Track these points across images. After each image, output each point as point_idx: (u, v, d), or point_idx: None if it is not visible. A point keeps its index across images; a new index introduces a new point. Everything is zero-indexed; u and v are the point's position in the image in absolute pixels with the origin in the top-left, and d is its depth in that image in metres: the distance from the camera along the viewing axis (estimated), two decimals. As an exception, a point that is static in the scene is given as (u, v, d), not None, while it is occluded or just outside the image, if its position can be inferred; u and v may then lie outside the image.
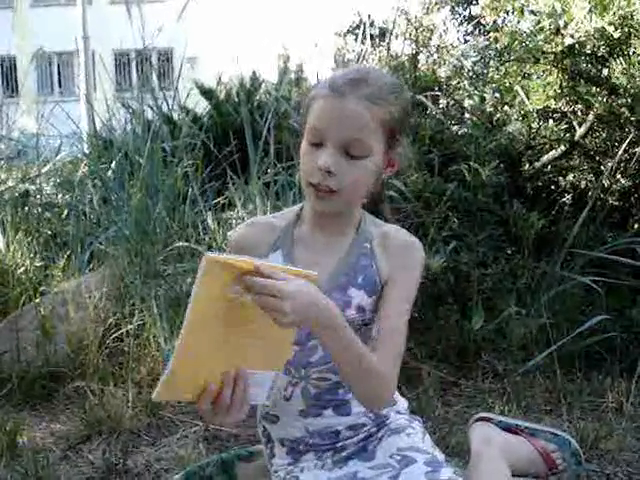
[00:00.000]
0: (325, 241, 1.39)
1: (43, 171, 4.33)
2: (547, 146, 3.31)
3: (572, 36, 3.05)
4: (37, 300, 2.98)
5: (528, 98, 3.24)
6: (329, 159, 1.26)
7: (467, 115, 3.54)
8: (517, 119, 3.32)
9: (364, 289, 1.35)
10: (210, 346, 1.05)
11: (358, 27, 4.73)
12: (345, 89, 1.27)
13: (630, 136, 3.14)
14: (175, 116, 4.46)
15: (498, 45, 3.48)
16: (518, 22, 3.40)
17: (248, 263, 1.04)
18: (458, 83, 3.64)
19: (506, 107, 3.41)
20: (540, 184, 3.39)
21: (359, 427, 1.40)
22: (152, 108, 4.15)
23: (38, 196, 4.01)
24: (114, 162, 3.86)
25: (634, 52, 3.07)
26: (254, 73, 5.09)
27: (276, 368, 1.17)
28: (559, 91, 3.19)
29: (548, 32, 3.12)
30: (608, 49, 3.09)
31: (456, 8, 5.90)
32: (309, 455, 1.41)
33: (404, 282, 1.36)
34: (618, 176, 3.39)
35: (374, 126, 1.28)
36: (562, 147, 3.27)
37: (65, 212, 3.91)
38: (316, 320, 1.15)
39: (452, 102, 3.68)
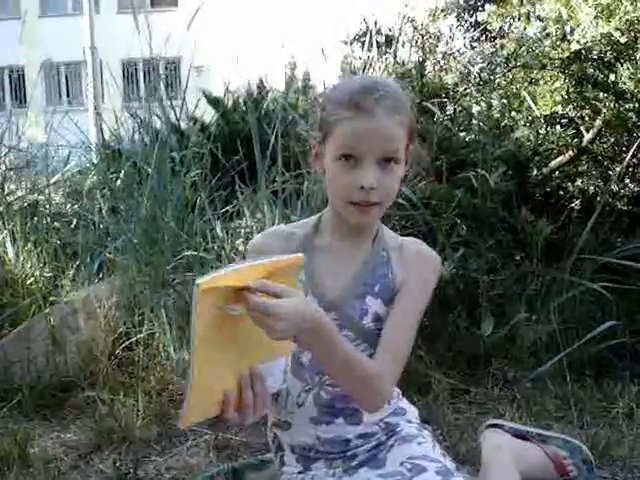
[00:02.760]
0: (345, 251, 1.42)
1: (52, 181, 4.33)
2: (555, 152, 3.32)
3: (578, 42, 3.05)
4: (47, 310, 2.98)
5: (535, 104, 3.24)
6: (372, 178, 1.29)
7: (474, 121, 3.54)
8: (524, 125, 3.32)
9: (381, 297, 1.38)
10: (219, 357, 1.07)
11: (365, 35, 4.73)
12: (371, 107, 1.28)
13: (638, 141, 3.14)
14: (183, 125, 4.46)
15: (505, 51, 3.49)
16: (524, 28, 3.40)
17: (237, 279, 1.06)
18: (465, 90, 3.64)
19: (513, 113, 3.42)
20: (548, 190, 3.39)
21: (369, 436, 1.41)
22: (160, 118, 4.15)
23: (47, 206, 4.01)
24: (122, 172, 3.86)
25: (641, 57, 3.07)
26: (261, 81, 5.08)
27: (284, 354, 1.20)
28: (566, 97, 3.19)
29: (554, 38, 3.12)
30: (615, 54, 3.10)
31: (462, 15, 5.90)
32: (319, 463, 1.41)
33: (416, 293, 1.38)
34: (626, 181, 3.39)
35: (402, 134, 1.33)
36: (570, 153, 3.28)
37: (74, 222, 3.91)
38: (306, 332, 1.16)
39: (459, 109, 3.68)
